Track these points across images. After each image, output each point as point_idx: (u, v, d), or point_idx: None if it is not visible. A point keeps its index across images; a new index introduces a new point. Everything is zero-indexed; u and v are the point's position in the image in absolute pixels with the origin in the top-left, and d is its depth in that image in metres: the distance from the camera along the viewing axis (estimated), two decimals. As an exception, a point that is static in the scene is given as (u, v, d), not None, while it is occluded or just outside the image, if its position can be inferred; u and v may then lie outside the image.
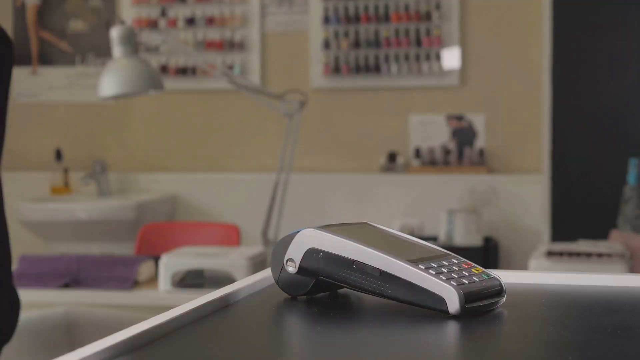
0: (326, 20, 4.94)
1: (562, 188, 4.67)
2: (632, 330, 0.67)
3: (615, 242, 3.51)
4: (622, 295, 0.80)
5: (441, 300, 0.71)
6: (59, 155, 4.99)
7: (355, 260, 0.75)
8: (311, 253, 0.78)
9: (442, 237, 4.48)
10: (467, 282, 0.73)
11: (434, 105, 4.87)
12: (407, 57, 4.86)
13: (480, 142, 4.80)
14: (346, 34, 4.93)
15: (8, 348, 1.42)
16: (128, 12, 5.10)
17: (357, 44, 4.92)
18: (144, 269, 3.08)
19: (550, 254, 3.35)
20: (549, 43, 4.66)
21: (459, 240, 4.42)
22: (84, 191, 4.98)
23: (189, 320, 0.71)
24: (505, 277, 0.80)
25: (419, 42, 4.85)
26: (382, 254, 0.74)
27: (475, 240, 4.42)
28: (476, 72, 4.79)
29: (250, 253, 2.99)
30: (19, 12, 5.18)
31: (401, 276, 0.73)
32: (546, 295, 0.81)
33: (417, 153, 4.85)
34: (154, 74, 3.25)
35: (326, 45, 4.94)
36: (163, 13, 5.10)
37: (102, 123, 5.16)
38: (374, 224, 0.85)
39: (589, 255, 3.32)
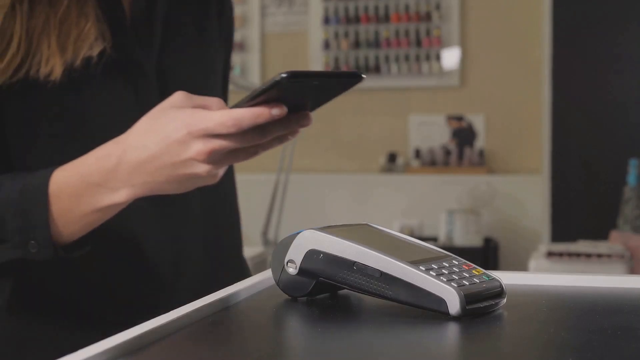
0: (326, 20, 4.94)
1: (562, 188, 4.67)
2: (632, 332, 0.67)
3: (615, 243, 3.51)
4: (622, 297, 0.80)
5: (442, 302, 0.71)
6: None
7: (355, 262, 0.75)
8: (312, 254, 0.78)
9: (442, 237, 4.48)
10: (467, 283, 0.73)
11: (433, 106, 4.87)
12: (407, 58, 4.86)
13: (480, 143, 4.80)
14: (346, 35, 4.93)
15: None
16: (128, 12, 5.10)
17: (357, 45, 4.92)
18: (144, 270, 3.08)
19: (550, 254, 3.35)
20: (548, 43, 4.66)
21: (459, 240, 4.42)
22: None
23: (189, 321, 0.71)
24: (506, 278, 0.80)
25: (418, 43, 4.85)
26: (382, 256, 0.74)
27: (475, 241, 4.42)
28: (476, 72, 4.79)
29: (250, 253, 2.99)
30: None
31: (402, 277, 0.73)
32: (546, 296, 0.81)
33: (417, 153, 4.85)
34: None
35: (326, 45, 4.93)
36: (163, 13, 5.10)
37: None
38: (374, 225, 0.85)
39: (589, 255, 3.32)
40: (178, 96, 0.89)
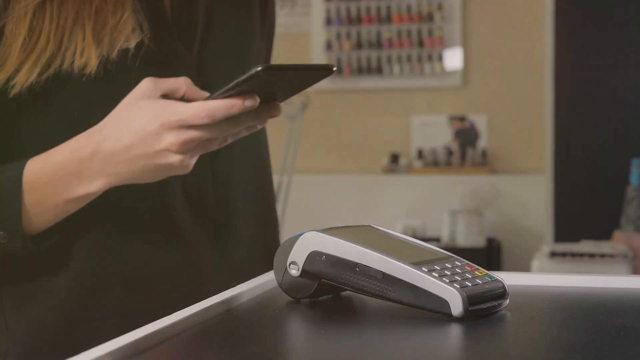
0: (328, 21, 4.94)
1: (565, 188, 4.66)
2: (635, 332, 0.67)
3: (618, 243, 3.51)
4: (625, 297, 0.80)
5: (444, 303, 0.71)
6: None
7: (358, 263, 0.75)
8: (314, 256, 0.78)
9: (444, 238, 4.48)
10: (470, 284, 0.73)
11: (436, 106, 4.87)
12: (409, 58, 4.86)
13: (482, 143, 4.80)
14: (348, 35, 4.93)
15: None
16: (130, 14, 5.10)
17: (359, 45, 4.92)
18: (147, 271, 3.08)
19: (553, 254, 3.35)
20: (551, 43, 4.66)
21: (462, 241, 4.41)
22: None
23: (192, 323, 0.71)
24: (509, 279, 0.80)
25: (421, 43, 4.85)
26: (385, 257, 0.74)
27: (478, 241, 4.42)
28: (478, 72, 4.79)
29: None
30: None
31: (404, 279, 0.73)
32: (549, 297, 0.81)
33: (420, 154, 4.85)
34: (156, 76, 3.25)
35: (328, 46, 4.93)
36: (165, 15, 5.11)
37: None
38: (376, 226, 0.85)
39: (592, 255, 3.32)
40: (146, 84, 0.91)
